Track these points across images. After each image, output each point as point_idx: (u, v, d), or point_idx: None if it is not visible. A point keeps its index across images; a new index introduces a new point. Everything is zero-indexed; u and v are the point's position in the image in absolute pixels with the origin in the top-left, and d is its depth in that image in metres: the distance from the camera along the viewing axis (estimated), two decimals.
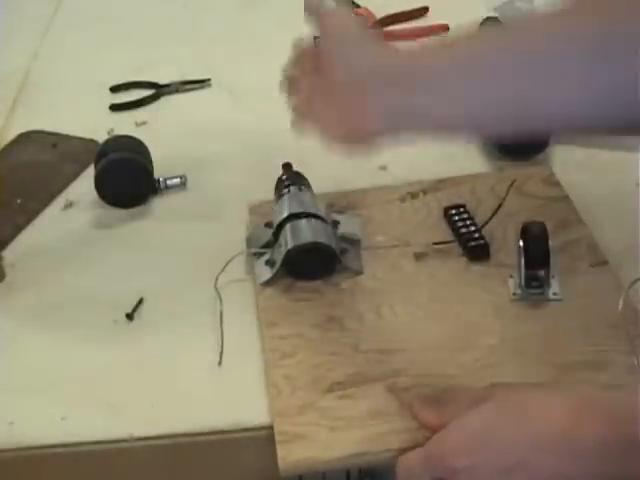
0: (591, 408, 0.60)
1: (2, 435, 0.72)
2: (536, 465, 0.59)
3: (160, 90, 1.15)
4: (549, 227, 0.82)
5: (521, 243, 0.80)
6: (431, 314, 0.78)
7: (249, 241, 0.87)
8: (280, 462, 0.67)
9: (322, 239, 0.82)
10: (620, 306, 0.75)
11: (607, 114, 0.63)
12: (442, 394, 0.68)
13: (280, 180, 0.90)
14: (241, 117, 1.09)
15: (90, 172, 0.97)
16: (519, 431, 0.60)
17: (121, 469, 0.74)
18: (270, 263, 0.84)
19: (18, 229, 0.94)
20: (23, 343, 0.81)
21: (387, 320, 0.79)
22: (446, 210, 0.88)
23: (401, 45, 0.72)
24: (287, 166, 0.92)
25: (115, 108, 1.12)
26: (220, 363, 0.77)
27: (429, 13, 1.27)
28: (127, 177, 0.94)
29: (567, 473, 0.58)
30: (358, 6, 1.31)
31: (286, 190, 0.87)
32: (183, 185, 0.98)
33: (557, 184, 0.92)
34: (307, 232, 0.82)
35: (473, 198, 0.90)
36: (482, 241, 0.84)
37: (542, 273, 0.78)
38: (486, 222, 0.86)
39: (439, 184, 0.93)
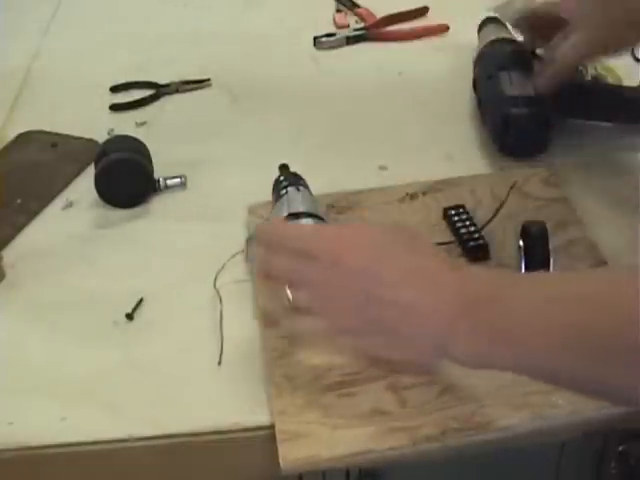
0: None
1: (2, 435, 0.72)
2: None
3: (160, 90, 1.15)
4: (549, 227, 0.82)
5: (521, 243, 0.80)
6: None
7: (249, 241, 0.87)
8: (281, 461, 0.67)
9: None
10: None
11: None
12: None
13: (277, 181, 0.90)
14: (241, 117, 1.09)
15: (90, 172, 0.97)
16: (400, 259, 0.68)
17: (121, 469, 0.74)
18: None
19: (18, 229, 0.94)
20: (23, 343, 0.81)
21: None
22: (445, 211, 0.88)
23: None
24: (284, 167, 0.92)
25: (115, 108, 1.12)
26: (220, 363, 0.77)
27: (429, 13, 1.27)
28: (127, 177, 0.94)
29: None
30: (358, 6, 1.31)
31: (284, 191, 0.87)
32: (183, 185, 0.98)
33: (556, 184, 0.92)
34: None
35: (472, 199, 0.91)
36: (482, 241, 0.84)
37: None
38: (487, 223, 0.86)
39: (438, 185, 0.93)
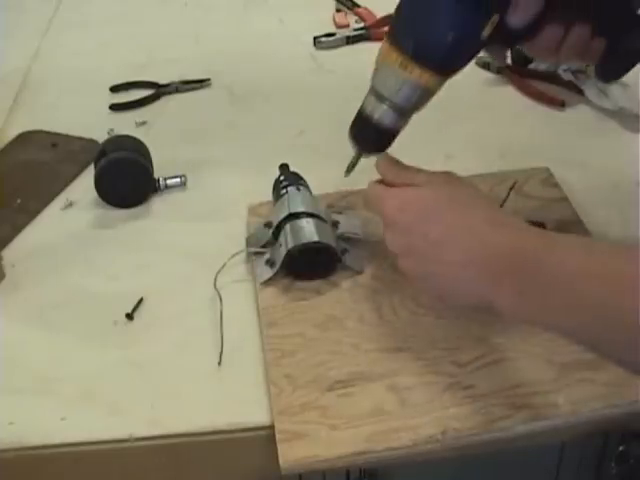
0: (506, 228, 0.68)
1: (2, 435, 0.72)
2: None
3: (160, 90, 1.15)
4: (549, 227, 0.82)
5: None
6: (431, 313, 0.78)
7: (249, 241, 0.87)
8: (281, 461, 0.67)
9: (322, 239, 0.82)
10: None
11: None
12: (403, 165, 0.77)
13: (277, 181, 0.90)
14: (241, 117, 1.10)
15: (90, 172, 0.97)
16: (446, 218, 0.70)
17: (121, 469, 0.74)
18: (270, 263, 0.84)
19: (18, 229, 0.94)
20: (23, 343, 0.81)
21: (387, 320, 0.79)
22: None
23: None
24: (284, 166, 0.92)
25: (115, 108, 1.12)
26: (220, 363, 0.77)
27: None
28: (127, 177, 0.94)
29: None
30: (358, 6, 1.31)
31: (284, 190, 0.87)
32: (183, 185, 0.98)
33: (556, 185, 0.92)
34: (307, 232, 0.82)
35: None
36: None
37: None
38: None
39: None
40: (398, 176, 0.75)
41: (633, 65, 0.74)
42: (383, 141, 0.77)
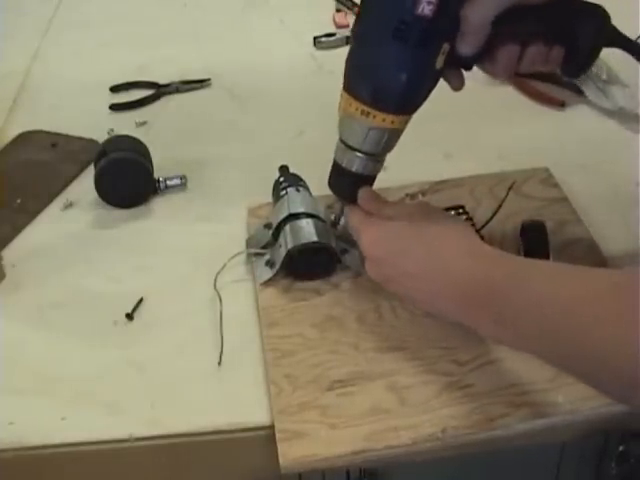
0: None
1: (2, 435, 0.72)
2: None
3: (160, 90, 1.15)
4: (549, 227, 0.82)
5: (521, 243, 0.80)
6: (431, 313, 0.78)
7: (249, 242, 0.87)
8: (281, 460, 0.68)
9: (322, 239, 0.82)
10: None
11: None
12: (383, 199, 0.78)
13: (277, 182, 0.90)
14: (241, 117, 1.10)
15: (90, 172, 0.97)
16: (417, 252, 0.71)
17: (121, 469, 0.74)
18: (270, 263, 0.84)
19: (18, 229, 0.94)
20: (23, 343, 0.81)
21: (387, 320, 0.79)
22: (445, 211, 0.88)
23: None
24: (284, 168, 0.92)
25: (115, 108, 1.12)
26: (220, 363, 0.77)
27: None
28: (127, 177, 0.94)
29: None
30: (358, 6, 1.31)
31: (284, 192, 0.87)
32: (183, 185, 0.98)
33: (555, 185, 0.92)
34: (307, 232, 0.82)
35: (472, 199, 0.91)
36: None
37: None
38: (486, 223, 0.86)
39: (438, 185, 0.93)
40: (377, 210, 0.76)
41: (597, 55, 0.73)
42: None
